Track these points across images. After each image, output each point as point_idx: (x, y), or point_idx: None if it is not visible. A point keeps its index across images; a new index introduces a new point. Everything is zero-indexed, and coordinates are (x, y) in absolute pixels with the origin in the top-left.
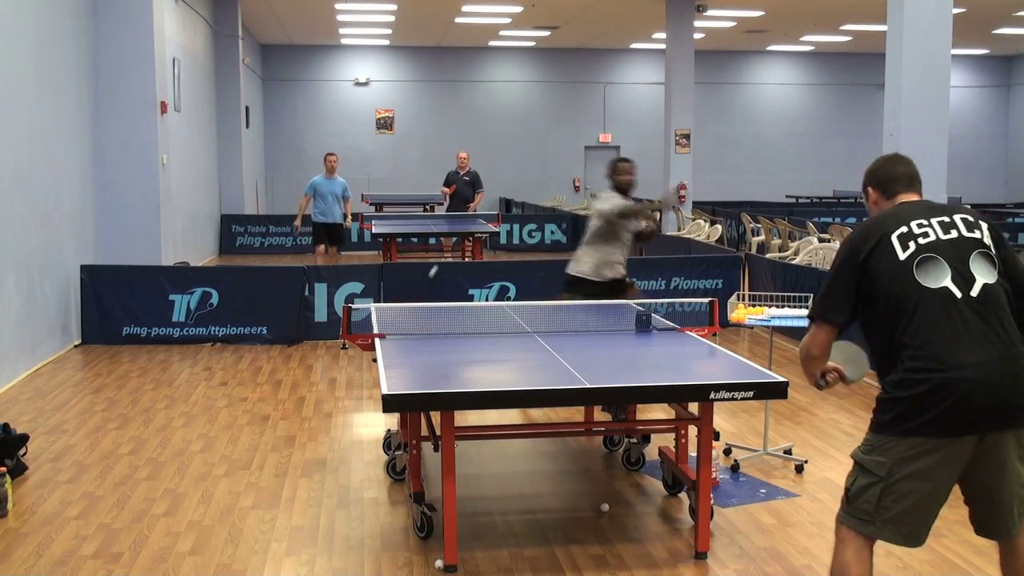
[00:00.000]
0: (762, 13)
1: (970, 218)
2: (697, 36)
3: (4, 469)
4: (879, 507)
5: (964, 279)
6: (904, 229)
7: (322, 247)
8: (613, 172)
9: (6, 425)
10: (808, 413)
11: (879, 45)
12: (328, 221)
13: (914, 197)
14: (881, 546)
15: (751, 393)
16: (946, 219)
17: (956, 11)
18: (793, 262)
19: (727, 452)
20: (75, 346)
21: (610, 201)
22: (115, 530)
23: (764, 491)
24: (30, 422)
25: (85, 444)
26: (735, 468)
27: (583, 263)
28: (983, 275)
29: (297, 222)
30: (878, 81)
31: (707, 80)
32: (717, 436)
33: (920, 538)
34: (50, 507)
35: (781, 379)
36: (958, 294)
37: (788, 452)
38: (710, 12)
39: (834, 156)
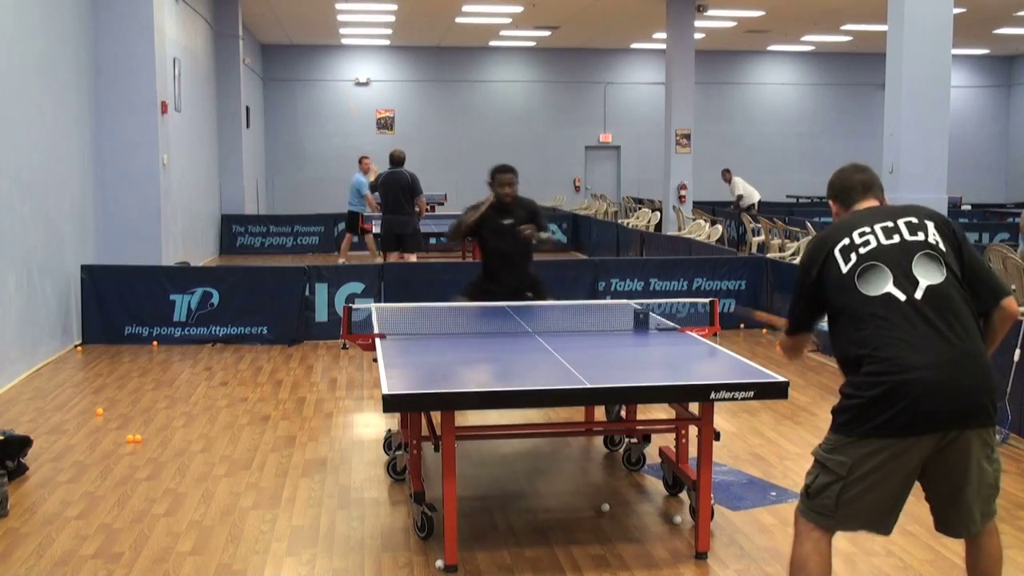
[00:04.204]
0: (762, 13)
1: (914, 220)
2: (697, 36)
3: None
4: (838, 504)
5: (907, 282)
6: (846, 241)
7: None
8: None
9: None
10: (808, 413)
11: (879, 45)
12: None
13: (871, 203)
14: (882, 546)
15: (751, 393)
16: (889, 224)
17: (956, 11)
18: (795, 262)
19: None
20: (75, 346)
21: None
22: (115, 530)
23: (775, 494)
24: (30, 422)
25: (85, 444)
26: None
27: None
28: (927, 277)
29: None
30: (878, 81)
31: (707, 80)
32: (718, 436)
33: (884, 528)
34: (51, 507)
35: (781, 379)
36: (902, 297)
37: None
38: (710, 12)
39: (834, 156)
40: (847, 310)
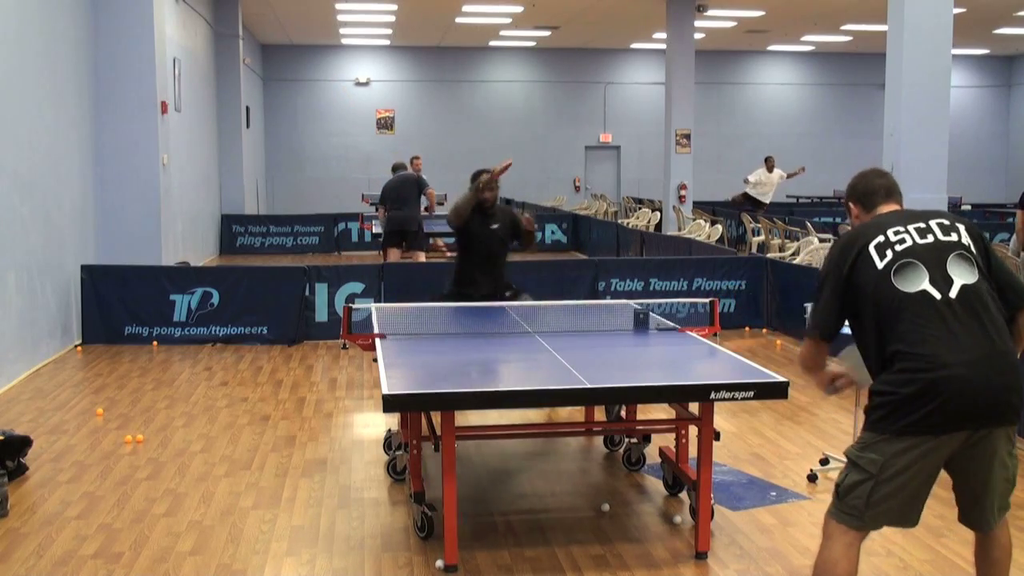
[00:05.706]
0: (762, 13)
1: (946, 222)
2: (697, 36)
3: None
4: (869, 503)
5: (942, 281)
6: (881, 238)
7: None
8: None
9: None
10: (808, 413)
11: (879, 45)
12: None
13: (893, 207)
14: (881, 546)
15: (751, 393)
16: (922, 225)
17: (956, 11)
18: (795, 262)
19: (824, 463)
20: (75, 346)
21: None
22: (116, 530)
23: (775, 494)
24: (31, 422)
25: (85, 444)
26: (813, 478)
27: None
28: (961, 276)
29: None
30: (878, 81)
31: (707, 80)
32: (718, 436)
33: (911, 522)
34: (51, 507)
35: (781, 379)
36: (937, 296)
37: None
38: (710, 12)
39: (834, 156)
40: (881, 306)
